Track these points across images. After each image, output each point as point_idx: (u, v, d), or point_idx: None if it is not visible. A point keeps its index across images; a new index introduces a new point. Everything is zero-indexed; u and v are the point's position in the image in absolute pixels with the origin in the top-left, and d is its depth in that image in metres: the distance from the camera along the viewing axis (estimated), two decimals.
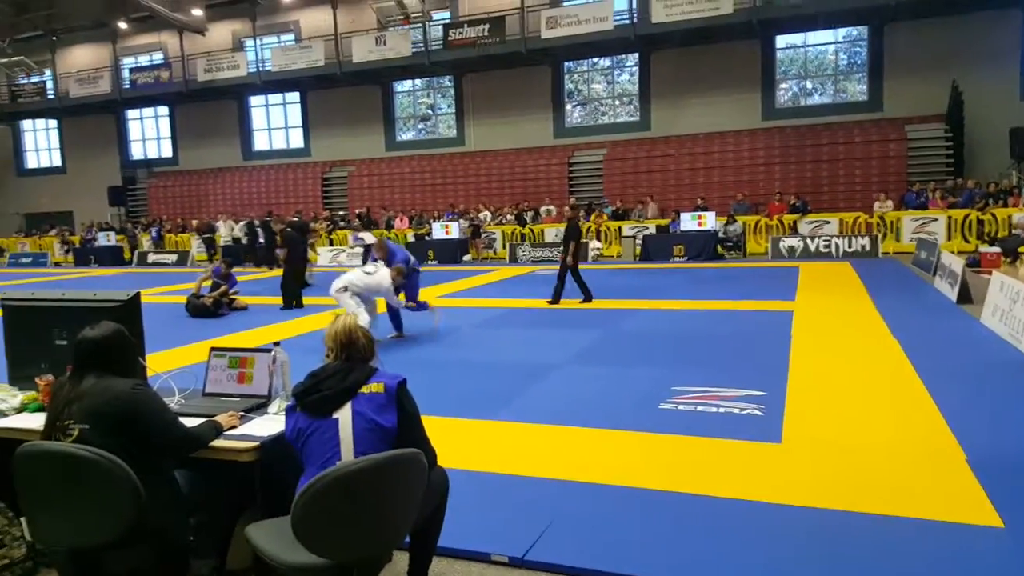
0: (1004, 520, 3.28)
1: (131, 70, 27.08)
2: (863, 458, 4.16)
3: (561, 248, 10.95)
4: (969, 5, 17.91)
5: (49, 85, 28.10)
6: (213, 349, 3.38)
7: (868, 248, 16.22)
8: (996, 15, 18.19)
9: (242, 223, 21.87)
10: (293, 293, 11.33)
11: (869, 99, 20.10)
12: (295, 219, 13.47)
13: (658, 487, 3.82)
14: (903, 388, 5.56)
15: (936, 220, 16.45)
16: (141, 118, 29.54)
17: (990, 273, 9.51)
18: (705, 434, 4.62)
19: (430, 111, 25.58)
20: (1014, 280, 7.37)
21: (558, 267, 10.69)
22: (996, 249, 13.39)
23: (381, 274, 7.89)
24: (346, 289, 7.83)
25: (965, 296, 9.40)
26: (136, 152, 29.82)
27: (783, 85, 21.34)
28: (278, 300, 11.57)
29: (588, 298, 10.45)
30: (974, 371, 6.06)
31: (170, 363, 6.63)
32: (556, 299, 10.45)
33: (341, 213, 23.93)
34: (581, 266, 10.88)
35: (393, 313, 8.38)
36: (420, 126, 25.76)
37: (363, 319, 7.63)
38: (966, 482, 3.74)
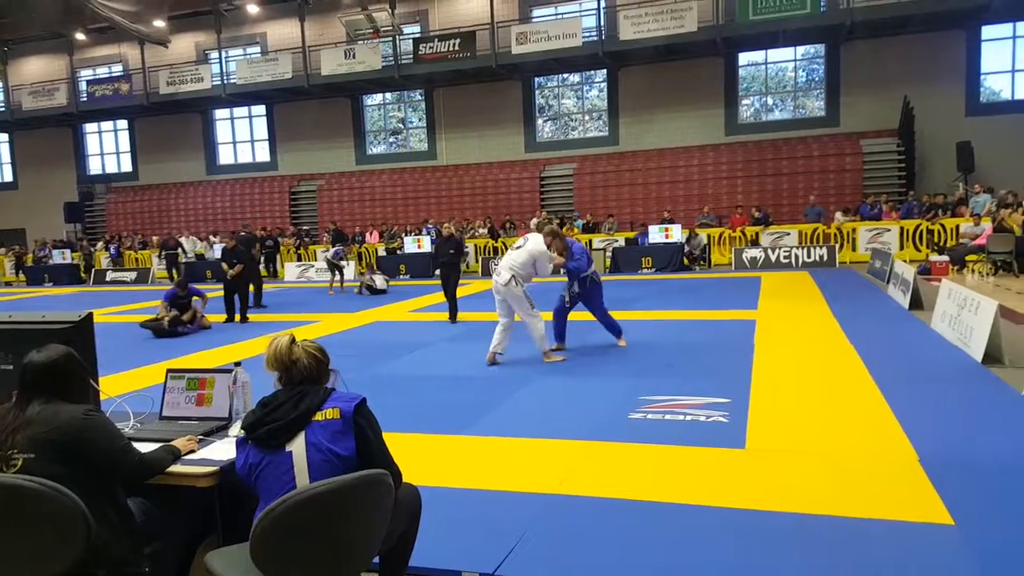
0: (954, 518, 3.43)
1: (89, 82, 26.52)
2: (822, 461, 4.32)
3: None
4: (919, 25, 18.60)
5: (0, 97, 27.40)
6: (170, 370, 3.27)
7: (826, 258, 16.68)
8: (944, 35, 18.93)
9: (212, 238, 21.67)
10: (232, 308, 11.81)
11: (826, 114, 20.69)
12: (243, 233, 13.64)
13: (627, 496, 3.90)
14: (859, 392, 5.78)
15: (889, 231, 17.01)
16: (99, 132, 28.91)
17: (939, 281, 9.92)
18: (673, 442, 4.74)
19: (401, 125, 25.61)
20: (961, 287, 7.70)
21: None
22: (945, 258, 13.91)
23: (533, 240, 7.26)
24: (513, 278, 7.10)
25: (916, 303, 9.77)
26: (94, 167, 29.12)
27: (745, 101, 21.84)
28: (239, 318, 11.85)
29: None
30: (925, 374, 6.32)
31: (126, 386, 6.56)
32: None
33: (305, 228, 23.80)
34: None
35: (606, 321, 7.97)
36: (391, 140, 25.77)
37: (499, 330, 7.38)
38: (919, 482, 3.91)
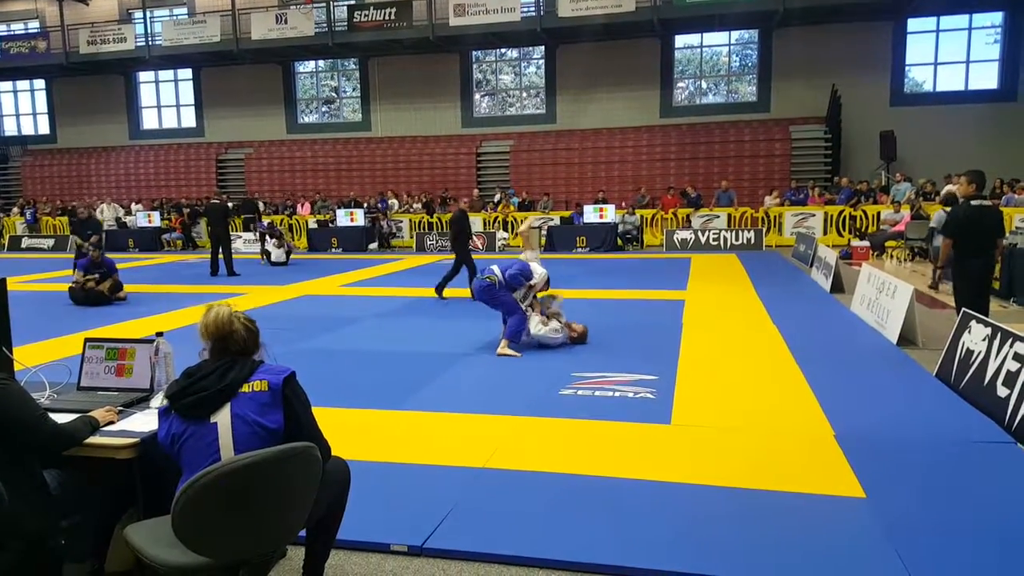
0: (866, 491, 3.58)
1: (2, 38, 25.01)
2: (744, 437, 4.44)
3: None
4: (849, 15, 19.18)
5: None
6: (88, 340, 3.18)
7: (753, 241, 17.15)
8: (872, 26, 19.59)
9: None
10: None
11: (758, 100, 21.20)
12: (215, 201, 14.14)
13: (556, 470, 3.94)
14: (781, 371, 5.97)
15: (814, 215, 17.59)
16: (15, 91, 27.45)
17: (860, 265, 10.32)
18: (601, 417, 4.80)
19: (334, 94, 24.99)
20: (880, 272, 8.03)
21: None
22: (866, 243, 14.48)
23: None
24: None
25: (838, 286, 10.15)
26: (9, 128, 27.65)
27: (680, 84, 22.15)
28: (161, 288, 11.56)
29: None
30: (843, 355, 6.55)
31: (42, 357, 6.33)
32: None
33: (232, 203, 22.96)
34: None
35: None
36: (324, 109, 25.14)
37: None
38: (834, 457, 4.06)
